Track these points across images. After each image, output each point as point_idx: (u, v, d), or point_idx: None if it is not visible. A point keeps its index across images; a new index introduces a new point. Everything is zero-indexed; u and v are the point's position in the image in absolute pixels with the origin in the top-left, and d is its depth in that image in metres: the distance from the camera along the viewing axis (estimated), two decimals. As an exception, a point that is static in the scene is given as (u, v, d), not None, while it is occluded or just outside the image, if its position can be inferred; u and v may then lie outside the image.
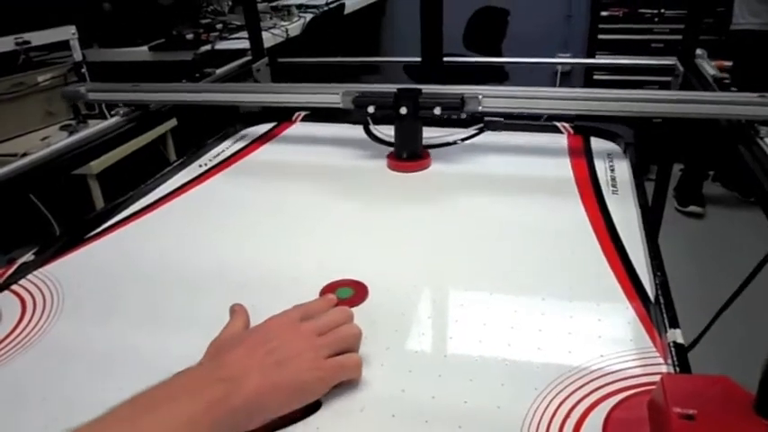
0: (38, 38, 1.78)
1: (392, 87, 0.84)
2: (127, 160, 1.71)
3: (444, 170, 0.85)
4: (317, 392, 0.43)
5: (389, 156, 0.87)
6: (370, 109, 0.84)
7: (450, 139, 0.93)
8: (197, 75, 1.14)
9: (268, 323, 0.47)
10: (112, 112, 0.96)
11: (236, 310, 0.52)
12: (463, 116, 0.94)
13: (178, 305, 0.58)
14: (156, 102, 0.99)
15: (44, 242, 0.70)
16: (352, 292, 0.56)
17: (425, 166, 0.85)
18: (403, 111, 0.82)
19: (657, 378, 0.39)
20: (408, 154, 0.85)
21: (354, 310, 0.52)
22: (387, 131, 0.93)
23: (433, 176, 0.84)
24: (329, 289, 0.57)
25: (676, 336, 0.47)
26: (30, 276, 0.63)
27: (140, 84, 0.96)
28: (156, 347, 0.52)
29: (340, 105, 0.87)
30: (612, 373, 0.45)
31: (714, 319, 0.67)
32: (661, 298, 0.52)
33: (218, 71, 1.18)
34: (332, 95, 0.88)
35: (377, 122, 0.93)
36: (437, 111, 0.81)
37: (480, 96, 0.82)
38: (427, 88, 0.84)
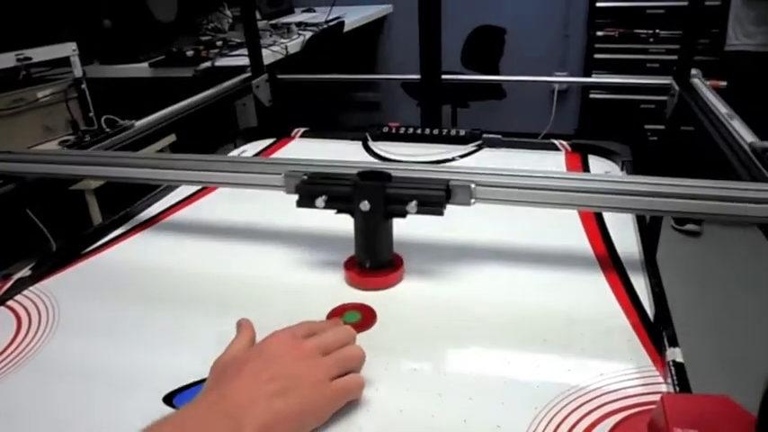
0: (39, 54, 1.79)
1: (352, 170, 0.62)
2: (125, 176, 1.71)
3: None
4: (323, 417, 0.43)
5: (347, 265, 0.64)
6: (319, 202, 0.60)
7: (449, 155, 0.93)
8: (80, 133, 0.94)
9: (271, 342, 0.46)
10: None
11: (243, 325, 0.50)
12: (462, 132, 0.93)
13: (174, 322, 0.57)
14: (31, 174, 0.76)
15: (41, 258, 0.69)
16: (359, 317, 0.55)
17: (395, 281, 0.62)
18: (364, 207, 0.58)
19: (657, 397, 0.39)
20: (373, 263, 0.62)
21: (361, 335, 0.51)
22: (388, 148, 0.94)
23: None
24: (336, 313, 0.56)
25: (676, 354, 0.47)
26: (25, 292, 0.63)
27: (11, 152, 0.77)
28: (150, 365, 0.51)
29: (283, 190, 0.65)
30: (612, 392, 0.45)
31: None
32: (660, 316, 0.52)
33: (215, 89, 1.17)
34: (272, 176, 0.66)
35: (382, 134, 0.87)
36: (412, 207, 0.58)
37: (473, 186, 0.59)
38: (399, 171, 0.62)
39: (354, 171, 0.61)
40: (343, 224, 0.62)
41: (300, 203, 0.62)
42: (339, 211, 0.61)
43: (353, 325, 0.52)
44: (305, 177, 0.63)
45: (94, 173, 0.75)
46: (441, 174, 0.61)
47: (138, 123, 1.00)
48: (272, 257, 0.69)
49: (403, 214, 0.59)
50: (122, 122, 0.98)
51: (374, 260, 0.62)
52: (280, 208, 0.82)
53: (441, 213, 0.58)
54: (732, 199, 0.55)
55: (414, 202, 0.57)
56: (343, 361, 0.46)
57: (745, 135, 0.79)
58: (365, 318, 0.55)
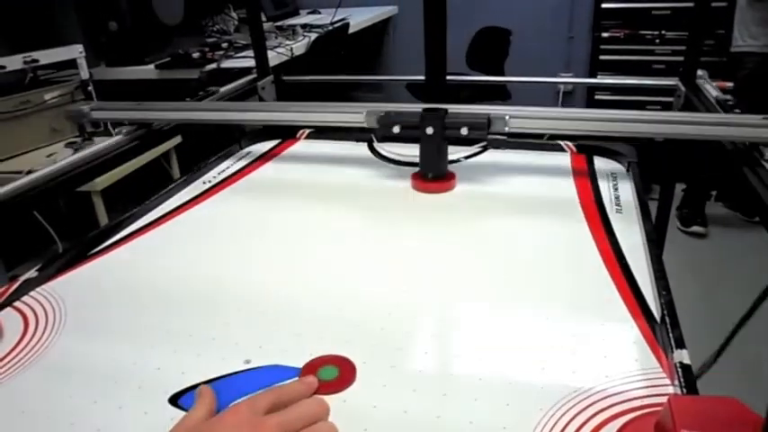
0: (46, 56, 1.80)
1: (417, 107, 0.83)
2: (131, 177, 1.72)
3: (454, 193, 0.85)
4: None
5: (414, 176, 0.86)
6: (396, 129, 0.82)
7: (454, 156, 0.93)
8: (200, 93, 1.14)
9: (228, 417, 0.41)
10: (116, 131, 0.97)
11: (202, 393, 0.45)
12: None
13: (180, 323, 0.57)
14: (160, 120, 0.99)
15: (48, 259, 0.70)
16: (336, 373, 0.48)
17: (451, 188, 0.84)
18: (429, 131, 0.80)
19: (664, 399, 0.39)
20: (434, 174, 0.84)
21: (336, 397, 0.46)
22: (391, 149, 0.94)
23: (449, 199, 0.84)
24: (311, 367, 0.49)
25: (683, 356, 0.47)
26: (32, 293, 0.63)
27: (144, 102, 0.97)
28: (156, 365, 0.51)
29: (364, 125, 0.85)
30: (619, 393, 0.44)
31: (724, 345, 0.66)
32: (667, 318, 0.52)
33: (223, 89, 1.19)
34: (355, 114, 0.86)
35: (384, 136, 0.92)
36: (464, 131, 0.79)
37: (507, 117, 0.80)
38: (453, 108, 0.83)
39: (419, 109, 0.82)
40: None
41: (380, 131, 0.83)
42: (407, 137, 0.81)
43: (330, 383, 0.47)
44: (382, 113, 0.83)
45: (214, 117, 0.97)
46: (482, 110, 0.81)
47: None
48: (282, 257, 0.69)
49: (457, 136, 0.80)
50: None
51: (435, 171, 0.83)
52: (285, 207, 0.82)
53: (485, 138, 0.82)
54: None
55: (465, 128, 0.79)
56: None
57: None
58: (343, 374, 0.48)
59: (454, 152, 0.93)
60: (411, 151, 0.96)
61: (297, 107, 0.93)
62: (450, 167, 0.88)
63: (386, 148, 0.93)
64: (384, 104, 0.85)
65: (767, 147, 0.72)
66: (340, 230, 0.75)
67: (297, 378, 0.48)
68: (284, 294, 0.61)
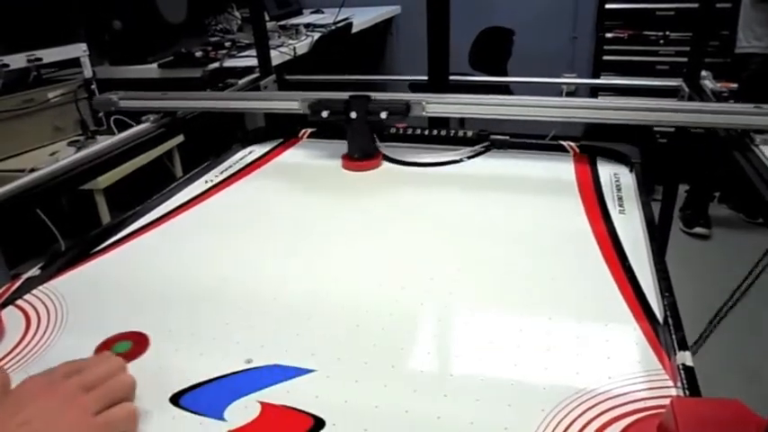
0: (49, 55, 1.81)
1: (344, 95, 0.92)
2: (133, 176, 1.72)
3: (451, 181, 0.85)
4: None
5: (344, 156, 0.94)
6: (324, 114, 0.91)
7: (456, 156, 0.93)
8: (220, 84, 1.22)
9: (24, 387, 0.43)
10: (143, 119, 1.02)
11: None
12: (469, 134, 0.95)
13: (182, 322, 0.57)
14: (185, 109, 1.05)
15: (50, 257, 0.70)
16: (130, 345, 0.53)
17: (377, 166, 0.92)
18: (353, 115, 0.90)
19: (667, 401, 0.39)
20: (360, 154, 0.92)
21: (133, 363, 0.49)
22: (395, 149, 0.94)
23: (439, 189, 0.84)
24: (106, 346, 0.53)
25: (686, 358, 0.46)
26: (34, 291, 0.63)
27: (168, 92, 1.04)
28: (157, 364, 0.51)
29: (299, 110, 0.94)
30: (621, 395, 0.44)
31: (716, 320, 0.66)
32: (670, 319, 0.52)
33: (240, 82, 1.23)
34: (291, 102, 0.95)
35: (386, 135, 0.98)
36: (383, 115, 0.88)
37: (423, 102, 0.88)
38: (376, 95, 0.91)
39: (346, 96, 0.91)
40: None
41: (312, 116, 0.92)
42: (335, 120, 0.90)
43: (124, 354, 0.50)
44: (314, 100, 0.92)
45: (229, 106, 1.04)
46: (402, 97, 0.90)
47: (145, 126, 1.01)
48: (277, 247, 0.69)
49: (378, 121, 0.89)
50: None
51: (361, 152, 0.92)
52: (286, 206, 0.82)
53: (404, 120, 0.89)
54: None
55: (384, 113, 0.88)
56: (109, 392, 0.43)
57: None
58: (137, 345, 0.52)
59: (456, 152, 0.93)
60: (415, 151, 0.96)
61: (251, 96, 1.06)
62: (452, 167, 0.88)
63: (388, 148, 0.93)
64: (317, 93, 0.94)
65: (758, 133, 0.75)
66: (342, 230, 0.75)
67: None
68: (286, 294, 0.61)
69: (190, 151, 2.00)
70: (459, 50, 3.04)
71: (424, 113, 0.88)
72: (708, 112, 0.79)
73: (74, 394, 0.42)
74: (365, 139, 0.92)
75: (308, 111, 0.92)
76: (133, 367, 0.49)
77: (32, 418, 0.39)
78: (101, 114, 1.96)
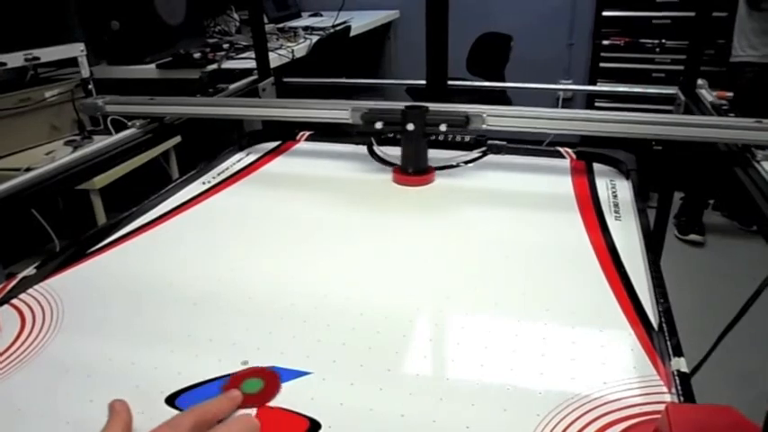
0: (47, 54, 1.80)
1: (400, 105, 0.87)
2: (130, 176, 1.71)
3: (450, 188, 0.85)
4: None
5: (395, 170, 0.89)
6: (378, 125, 0.86)
7: (454, 161, 0.93)
8: (210, 90, 1.18)
9: None
10: (129, 124, 0.99)
11: (116, 411, 0.43)
12: (467, 138, 0.95)
13: (177, 323, 0.57)
14: (172, 114, 1.02)
15: (46, 257, 0.69)
16: (261, 385, 0.47)
17: (429, 181, 0.87)
18: (410, 127, 0.84)
19: (661, 407, 0.39)
20: (414, 169, 0.87)
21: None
22: (393, 153, 0.94)
23: (437, 192, 0.84)
24: (234, 381, 0.48)
25: (680, 364, 0.47)
26: (30, 290, 0.63)
27: (156, 97, 1.00)
28: (153, 365, 0.51)
29: (349, 120, 0.89)
30: (616, 401, 0.44)
31: (716, 344, 0.67)
32: (665, 325, 0.52)
33: (231, 87, 1.20)
34: (341, 111, 0.90)
35: (384, 138, 0.95)
36: (443, 128, 0.84)
37: (484, 115, 0.84)
38: (434, 106, 0.86)
39: (401, 106, 0.86)
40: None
41: (364, 128, 0.86)
42: (389, 132, 0.88)
43: (254, 395, 0.46)
44: (366, 110, 0.87)
45: (221, 113, 1.00)
46: (461, 108, 0.85)
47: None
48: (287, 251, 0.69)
49: (436, 133, 0.85)
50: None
51: (415, 166, 0.87)
52: (284, 208, 0.82)
53: (462, 137, 0.89)
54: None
55: (444, 125, 0.84)
56: None
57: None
58: (268, 386, 0.47)
59: (453, 157, 0.94)
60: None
61: (294, 104, 0.96)
62: (450, 172, 0.88)
63: (386, 152, 0.93)
64: (368, 102, 0.89)
65: (759, 149, 0.75)
66: (339, 232, 0.75)
67: (220, 394, 0.46)
68: (283, 296, 0.61)
69: (187, 152, 2.00)
70: (458, 55, 3.05)
71: (484, 126, 0.84)
72: (709, 126, 0.78)
73: None
74: (421, 152, 0.88)
75: (360, 122, 0.87)
76: (133, 367, 0.49)
77: None
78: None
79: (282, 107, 0.97)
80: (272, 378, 0.48)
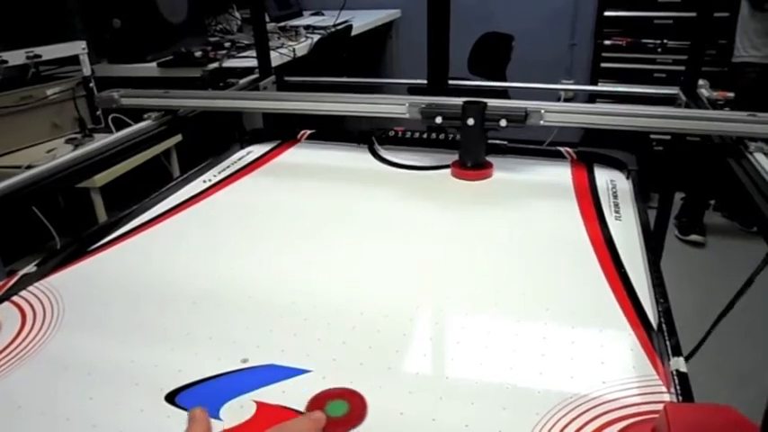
0: (48, 52, 1.80)
1: (458, 100, 0.88)
2: (130, 174, 1.71)
3: (450, 188, 0.85)
4: None
5: (454, 164, 0.90)
6: (438, 119, 0.87)
7: (452, 160, 0.93)
8: (221, 84, 1.21)
9: None
10: (144, 116, 1.02)
11: (196, 419, 0.42)
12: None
13: (177, 321, 0.57)
14: (187, 107, 1.04)
15: (46, 254, 0.69)
16: (346, 408, 0.44)
17: (488, 176, 0.89)
18: (470, 122, 0.86)
19: (660, 406, 0.39)
20: (473, 163, 0.89)
21: None
22: (394, 152, 0.94)
23: (446, 191, 0.84)
24: (319, 401, 0.45)
25: (679, 364, 0.47)
26: (30, 288, 0.63)
27: (171, 90, 1.03)
28: (153, 362, 0.51)
29: (407, 116, 0.90)
30: (615, 400, 0.44)
31: (712, 327, 0.67)
32: (664, 326, 0.52)
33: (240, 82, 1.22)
34: (398, 106, 0.91)
35: (384, 138, 0.96)
36: (503, 123, 0.85)
37: (542, 111, 0.85)
38: (492, 102, 0.88)
39: (460, 102, 0.87)
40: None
41: (424, 122, 0.88)
42: (449, 126, 0.88)
43: (339, 420, 0.43)
44: (424, 105, 0.89)
45: (244, 106, 1.03)
46: (519, 104, 0.87)
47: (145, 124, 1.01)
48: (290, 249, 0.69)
49: (495, 128, 0.86)
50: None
51: (474, 161, 0.89)
52: (284, 207, 0.82)
53: (522, 125, 0.85)
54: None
55: (504, 120, 0.85)
56: None
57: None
58: (354, 409, 0.44)
59: (454, 156, 0.94)
60: (413, 155, 0.96)
61: (331, 98, 0.95)
62: (448, 171, 0.88)
63: (387, 151, 0.93)
64: (425, 98, 0.90)
65: (752, 141, 0.76)
66: (339, 231, 0.75)
67: (304, 414, 0.44)
68: (283, 294, 0.61)
69: (187, 151, 2.00)
70: (459, 55, 3.04)
71: (542, 122, 0.85)
72: (702, 119, 0.80)
73: None
74: (480, 147, 0.89)
75: (419, 116, 0.88)
76: (133, 364, 0.49)
77: None
78: (99, 112, 1.96)
79: (333, 101, 0.95)
80: (358, 400, 0.45)
